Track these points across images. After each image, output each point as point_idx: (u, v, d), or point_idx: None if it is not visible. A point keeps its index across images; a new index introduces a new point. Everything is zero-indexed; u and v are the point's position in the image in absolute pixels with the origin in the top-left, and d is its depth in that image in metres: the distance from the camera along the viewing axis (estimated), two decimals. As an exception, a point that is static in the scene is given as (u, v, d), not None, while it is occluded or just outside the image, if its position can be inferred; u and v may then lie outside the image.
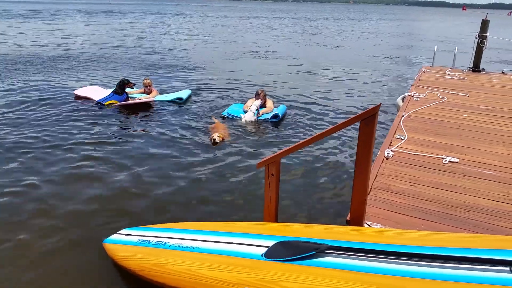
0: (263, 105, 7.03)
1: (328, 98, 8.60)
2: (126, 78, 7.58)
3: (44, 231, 3.48)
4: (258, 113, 6.74)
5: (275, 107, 7.17)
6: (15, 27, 20.24)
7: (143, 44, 16.03)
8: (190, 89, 8.59)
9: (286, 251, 2.47)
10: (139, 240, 2.97)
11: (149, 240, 2.91)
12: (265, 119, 6.74)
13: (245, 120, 6.64)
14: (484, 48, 9.90)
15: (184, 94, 8.03)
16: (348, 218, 3.06)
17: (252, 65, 12.56)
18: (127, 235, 3.10)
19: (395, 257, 2.33)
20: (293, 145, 2.84)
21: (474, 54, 10.02)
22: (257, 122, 6.60)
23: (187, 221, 3.29)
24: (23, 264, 3.06)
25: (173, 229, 3.04)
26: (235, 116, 6.83)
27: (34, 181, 4.38)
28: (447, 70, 9.77)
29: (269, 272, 2.31)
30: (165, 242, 2.84)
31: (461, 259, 2.23)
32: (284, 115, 7.03)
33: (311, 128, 6.46)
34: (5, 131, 5.84)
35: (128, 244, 2.96)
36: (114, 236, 3.15)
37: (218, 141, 5.46)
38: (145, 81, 7.83)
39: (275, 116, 6.75)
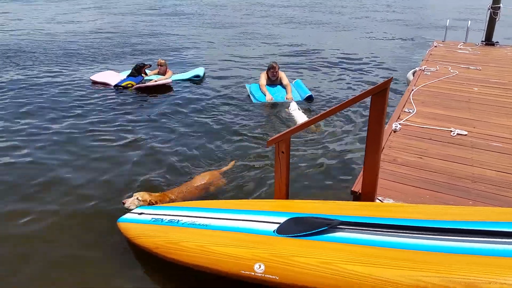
0: (277, 81, 6.91)
1: (338, 75, 8.48)
2: (141, 62, 7.64)
3: (59, 214, 3.54)
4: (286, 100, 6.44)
5: (290, 82, 7.00)
6: (14, 12, 19.99)
7: (149, 26, 15.86)
8: (203, 67, 8.47)
9: (298, 227, 2.49)
10: (152, 218, 3.01)
11: (162, 219, 2.96)
12: (297, 101, 6.31)
13: (270, 99, 6.42)
14: (497, 19, 9.58)
15: (200, 71, 8.00)
16: (353, 189, 3.07)
17: (259, 44, 12.39)
18: (140, 213, 3.15)
19: (406, 231, 2.34)
20: (302, 122, 2.83)
21: (486, 27, 9.74)
22: (282, 104, 6.32)
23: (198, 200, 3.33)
24: (35, 249, 3.11)
25: (185, 208, 3.08)
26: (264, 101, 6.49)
27: (52, 162, 4.47)
28: (460, 44, 9.53)
29: (282, 247, 2.34)
30: (178, 220, 2.88)
31: (473, 232, 2.23)
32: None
33: (320, 105, 6.40)
34: (27, 116, 5.88)
35: (141, 222, 3.01)
36: (128, 215, 3.20)
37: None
38: (159, 60, 7.85)
39: (309, 97, 6.49)
